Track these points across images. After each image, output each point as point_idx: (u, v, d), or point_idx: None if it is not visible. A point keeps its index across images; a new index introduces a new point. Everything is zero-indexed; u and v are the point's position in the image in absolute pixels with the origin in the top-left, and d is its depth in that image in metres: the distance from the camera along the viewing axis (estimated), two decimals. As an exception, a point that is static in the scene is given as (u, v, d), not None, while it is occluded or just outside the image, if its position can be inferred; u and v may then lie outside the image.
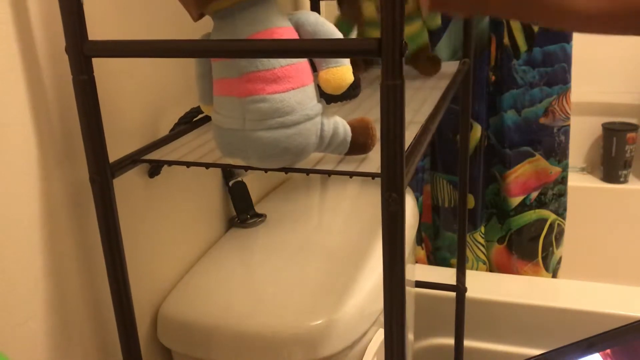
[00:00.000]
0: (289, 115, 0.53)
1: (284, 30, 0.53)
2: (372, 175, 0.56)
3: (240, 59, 0.52)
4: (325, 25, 0.54)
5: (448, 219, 1.49)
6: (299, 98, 0.53)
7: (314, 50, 0.50)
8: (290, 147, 0.54)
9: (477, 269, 1.50)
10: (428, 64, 0.92)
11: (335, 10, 0.97)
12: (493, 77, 1.38)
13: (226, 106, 0.54)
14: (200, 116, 0.77)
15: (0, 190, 0.54)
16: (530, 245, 1.46)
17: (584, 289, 1.32)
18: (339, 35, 0.55)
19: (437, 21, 0.91)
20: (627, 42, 1.78)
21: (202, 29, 0.82)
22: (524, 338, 1.30)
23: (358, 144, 0.58)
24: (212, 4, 0.52)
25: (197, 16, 0.54)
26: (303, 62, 0.54)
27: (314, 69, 0.55)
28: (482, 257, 1.49)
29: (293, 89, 0.53)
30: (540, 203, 1.44)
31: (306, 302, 0.74)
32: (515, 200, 1.42)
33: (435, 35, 1.35)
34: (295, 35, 0.54)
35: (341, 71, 0.54)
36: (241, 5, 0.52)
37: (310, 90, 0.54)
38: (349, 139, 0.57)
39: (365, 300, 0.75)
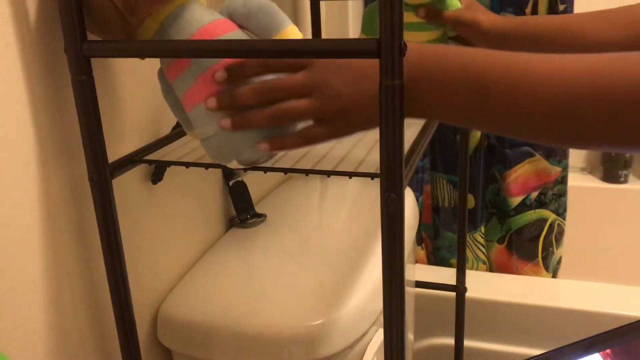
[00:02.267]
0: None
1: (217, 23, 0.54)
2: (372, 176, 0.56)
3: (188, 67, 0.53)
4: (252, 1, 0.54)
5: (448, 219, 1.49)
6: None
7: (314, 50, 0.50)
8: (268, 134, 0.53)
9: (477, 269, 1.50)
10: None
11: (335, 11, 0.97)
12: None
13: (198, 116, 0.54)
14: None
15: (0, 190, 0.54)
16: (530, 245, 1.46)
17: (584, 289, 1.32)
18: (269, 4, 0.55)
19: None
20: (627, 42, 1.77)
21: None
22: (524, 338, 1.30)
23: None
24: (137, 31, 0.53)
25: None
26: None
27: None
28: (482, 257, 1.49)
29: None
30: (540, 203, 1.43)
31: (306, 302, 0.74)
32: (515, 200, 1.42)
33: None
34: (232, 25, 0.54)
35: (289, 34, 0.54)
36: (168, 21, 0.53)
37: None
38: None
39: (365, 300, 0.75)
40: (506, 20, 0.83)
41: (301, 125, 0.54)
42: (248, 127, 0.52)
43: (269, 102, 0.51)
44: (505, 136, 0.53)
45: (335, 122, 0.51)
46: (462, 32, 0.85)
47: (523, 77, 0.47)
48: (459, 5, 0.84)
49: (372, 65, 0.49)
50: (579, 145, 0.47)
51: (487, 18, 0.82)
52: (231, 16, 0.55)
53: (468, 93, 0.48)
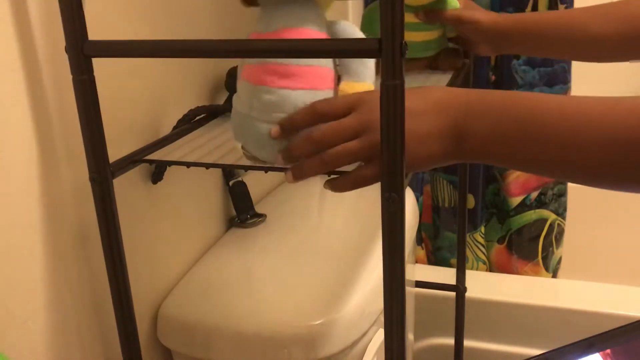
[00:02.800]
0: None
1: (315, 34, 0.53)
2: (372, 176, 0.55)
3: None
4: (356, 35, 0.54)
5: (448, 219, 1.49)
6: (306, 99, 0.52)
7: (313, 50, 0.50)
8: (285, 145, 0.54)
9: (477, 269, 1.50)
10: (449, 57, 0.90)
11: (336, 11, 0.96)
12: (493, 77, 1.38)
13: (242, 90, 0.55)
14: (199, 117, 0.77)
15: (0, 190, 0.54)
16: (530, 245, 1.46)
17: (584, 289, 1.32)
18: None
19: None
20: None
21: (200, 28, 0.82)
22: (524, 338, 1.30)
23: None
24: None
25: (248, 3, 0.55)
26: (324, 68, 0.53)
27: None
28: (482, 257, 1.49)
29: (303, 89, 0.52)
30: (540, 203, 1.43)
31: (306, 302, 0.74)
32: (515, 200, 1.42)
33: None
34: None
35: (360, 87, 0.54)
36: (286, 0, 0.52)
37: (322, 96, 0.53)
38: None
39: (365, 300, 0.75)
40: (505, 18, 0.84)
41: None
42: (305, 177, 0.53)
43: (323, 148, 0.51)
44: (555, 179, 0.54)
45: None
46: (462, 32, 0.86)
47: (578, 117, 0.46)
48: (457, 5, 0.85)
49: (419, 105, 0.50)
50: (633, 188, 0.47)
51: (486, 16, 0.84)
52: (332, 35, 0.55)
53: (519, 134, 0.48)
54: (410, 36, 0.86)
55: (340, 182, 0.53)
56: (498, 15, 0.85)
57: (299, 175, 0.53)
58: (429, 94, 0.52)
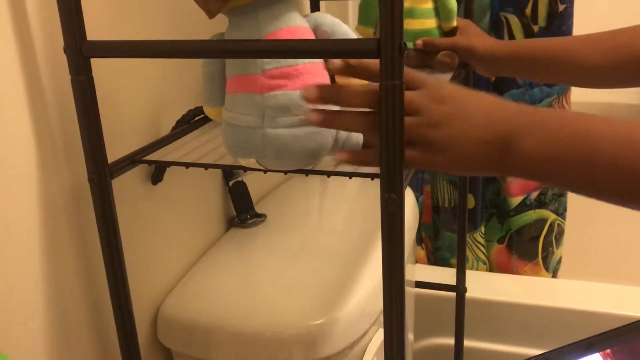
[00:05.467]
0: None
1: (304, 29, 0.53)
2: (372, 176, 0.55)
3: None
4: (341, 26, 0.55)
5: (448, 219, 1.49)
6: None
7: (314, 50, 0.50)
8: (309, 146, 0.53)
9: (477, 269, 1.50)
10: (443, 59, 0.88)
11: (336, 10, 0.96)
12: (493, 77, 1.37)
13: (244, 103, 0.53)
14: (198, 117, 0.77)
15: (-1, 191, 0.54)
16: (530, 245, 1.46)
17: (584, 289, 1.32)
18: (353, 36, 0.55)
19: (453, 23, 0.91)
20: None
21: (199, 28, 0.82)
22: (524, 338, 1.30)
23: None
24: None
25: (216, 12, 0.52)
26: (319, 62, 0.53)
27: None
28: (482, 257, 1.49)
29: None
30: (540, 203, 1.43)
31: (306, 302, 0.74)
32: (515, 200, 1.42)
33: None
34: (312, 35, 0.54)
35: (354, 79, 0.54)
36: (263, 2, 0.52)
37: None
38: (361, 142, 0.57)
39: (365, 300, 0.75)
40: (501, 45, 0.86)
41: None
42: (340, 127, 0.50)
43: (370, 107, 0.48)
44: (604, 201, 0.52)
45: (435, 152, 0.48)
46: (459, 57, 0.87)
47: (632, 143, 0.45)
48: (455, 5, 0.86)
49: (475, 106, 0.48)
50: None
51: (482, 42, 0.85)
52: (315, 27, 0.55)
53: (571, 155, 0.46)
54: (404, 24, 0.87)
55: (371, 157, 0.49)
56: (493, 41, 0.86)
57: (333, 121, 0.49)
58: (485, 98, 0.50)
